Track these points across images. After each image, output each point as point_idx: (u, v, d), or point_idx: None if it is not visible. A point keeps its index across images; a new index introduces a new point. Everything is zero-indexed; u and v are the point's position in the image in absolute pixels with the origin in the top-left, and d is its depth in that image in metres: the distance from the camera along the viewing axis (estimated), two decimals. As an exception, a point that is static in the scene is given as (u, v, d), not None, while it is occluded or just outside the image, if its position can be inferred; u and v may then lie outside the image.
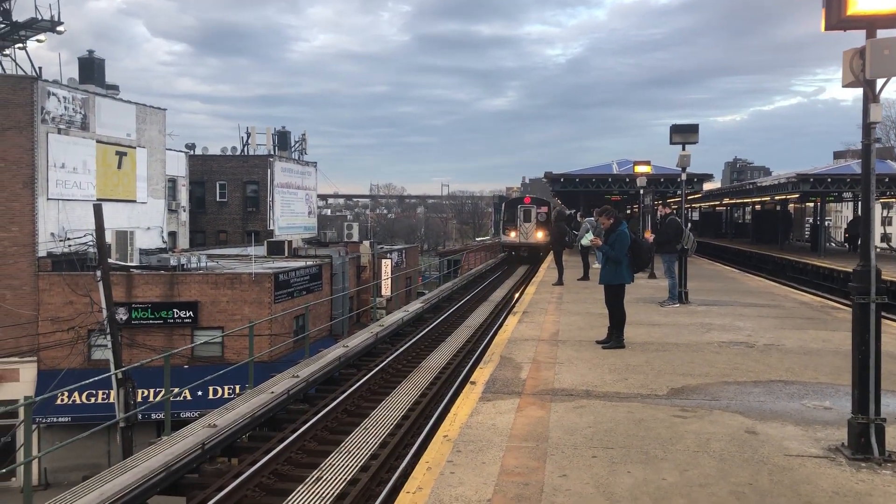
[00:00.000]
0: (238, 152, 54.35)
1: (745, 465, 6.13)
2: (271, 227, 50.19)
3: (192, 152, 50.53)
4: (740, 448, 6.58)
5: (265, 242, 41.99)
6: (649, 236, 20.12)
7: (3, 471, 13.18)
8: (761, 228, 50.36)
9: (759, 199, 49.32)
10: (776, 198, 43.84)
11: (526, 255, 47.63)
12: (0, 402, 27.95)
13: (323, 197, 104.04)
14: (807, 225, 60.54)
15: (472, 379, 9.33)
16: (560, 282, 21.11)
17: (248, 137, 55.82)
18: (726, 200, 58.02)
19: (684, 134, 18.43)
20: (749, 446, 6.63)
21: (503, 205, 54.23)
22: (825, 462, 6.21)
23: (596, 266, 20.77)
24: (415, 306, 26.86)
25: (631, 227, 13.18)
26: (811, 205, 53.15)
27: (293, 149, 59.03)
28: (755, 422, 7.40)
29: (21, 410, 12.36)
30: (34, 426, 24.83)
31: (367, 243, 46.49)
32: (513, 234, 48.07)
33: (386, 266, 43.24)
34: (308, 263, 35.57)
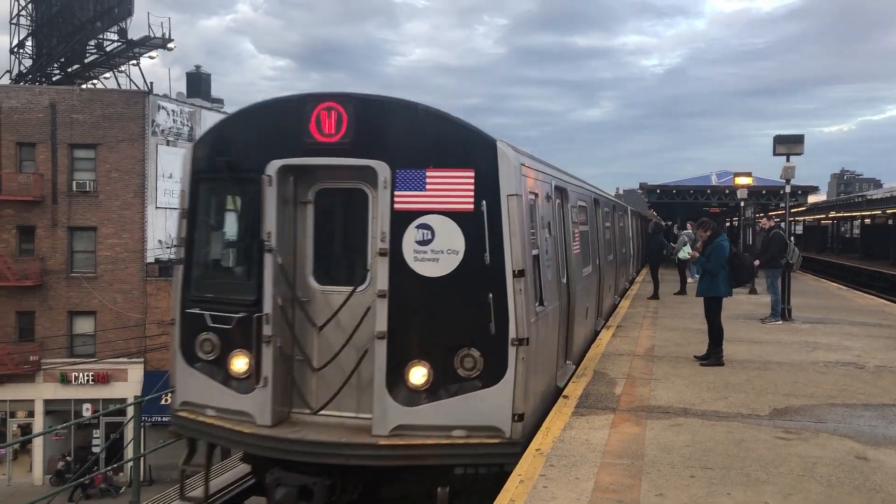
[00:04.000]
0: (333, 164, 55.60)
1: (856, 493, 5.82)
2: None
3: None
4: (850, 474, 6.25)
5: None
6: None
7: (114, 465, 13.87)
8: (872, 243, 47.94)
9: (868, 213, 46.95)
10: (888, 211, 41.61)
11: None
12: (110, 401, 29.49)
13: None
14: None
15: (564, 393, 9.22)
16: (656, 296, 20.62)
17: (343, 149, 57.03)
18: (832, 214, 55.48)
19: (788, 145, 17.77)
20: (860, 472, 6.29)
21: (189, 178, 7.85)
22: (945, 493, 5.82)
23: (692, 280, 20.21)
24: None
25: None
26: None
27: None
28: (866, 447, 7.01)
29: (130, 409, 12.98)
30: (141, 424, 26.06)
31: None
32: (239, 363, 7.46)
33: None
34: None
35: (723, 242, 11.19)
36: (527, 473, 6.25)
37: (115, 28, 38.22)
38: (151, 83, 36.43)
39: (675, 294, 21.40)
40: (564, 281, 9.53)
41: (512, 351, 6.79)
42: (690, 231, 19.27)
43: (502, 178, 6.90)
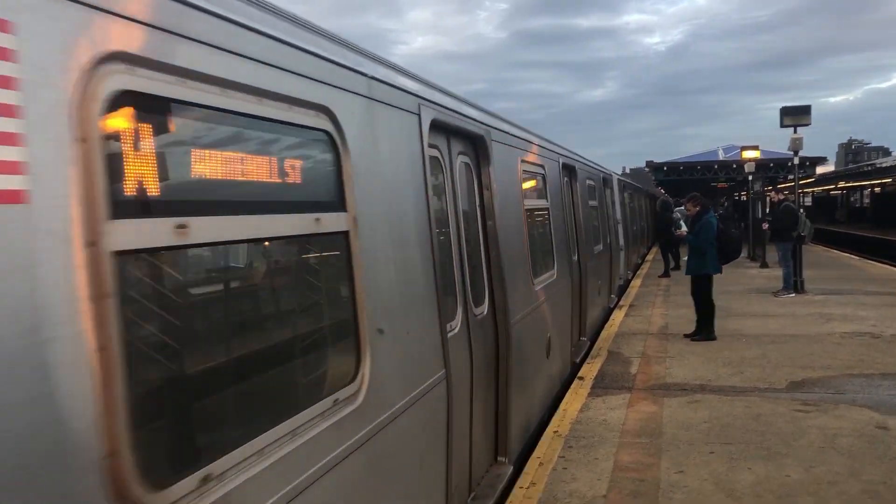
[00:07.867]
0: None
1: (878, 463, 5.79)
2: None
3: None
4: (871, 444, 6.22)
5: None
6: (766, 227, 19.25)
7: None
8: (883, 212, 47.63)
9: (878, 182, 46.66)
10: (898, 179, 41.36)
11: None
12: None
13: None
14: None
15: (579, 374, 9.21)
16: (666, 273, 20.55)
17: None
18: (841, 184, 55.16)
19: (795, 116, 17.64)
20: (881, 442, 6.26)
21: None
22: (967, 459, 5.79)
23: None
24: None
25: (739, 216, 12.61)
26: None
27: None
28: (886, 416, 6.98)
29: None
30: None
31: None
32: None
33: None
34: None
35: (710, 219, 11.20)
36: (546, 456, 6.25)
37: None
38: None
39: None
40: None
41: None
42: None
43: None
